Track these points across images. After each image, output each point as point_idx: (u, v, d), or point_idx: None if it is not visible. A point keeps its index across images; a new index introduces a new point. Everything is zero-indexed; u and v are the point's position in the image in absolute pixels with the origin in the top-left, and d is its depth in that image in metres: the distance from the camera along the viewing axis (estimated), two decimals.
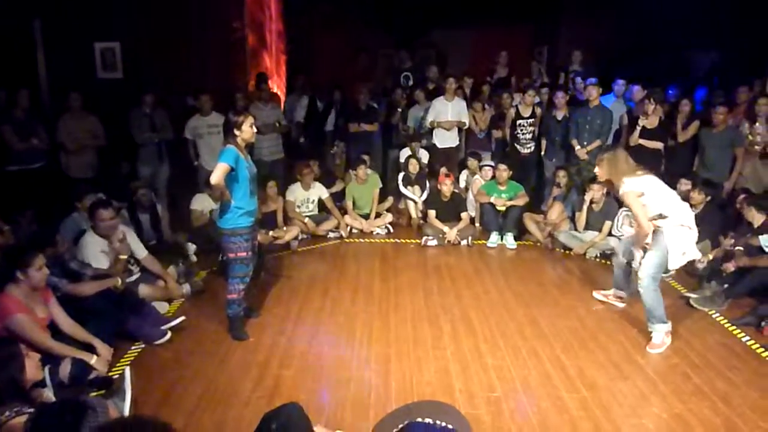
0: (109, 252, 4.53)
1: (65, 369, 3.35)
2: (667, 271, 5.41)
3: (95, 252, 4.49)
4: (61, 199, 5.68)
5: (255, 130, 4.17)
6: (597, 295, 4.99)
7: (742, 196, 5.56)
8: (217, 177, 3.90)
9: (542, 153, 7.31)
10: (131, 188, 5.87)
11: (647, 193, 4.09)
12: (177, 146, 6.98)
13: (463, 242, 6.60)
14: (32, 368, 2.74)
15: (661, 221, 4.10)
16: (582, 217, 6.22)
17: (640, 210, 4.08)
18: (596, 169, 4.33)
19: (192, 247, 5.92)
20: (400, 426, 1.48)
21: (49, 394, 3.02)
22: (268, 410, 2.27)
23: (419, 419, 1.45)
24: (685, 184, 5.91)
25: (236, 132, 4.04)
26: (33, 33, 6.95)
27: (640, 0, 9.20)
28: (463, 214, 6.75)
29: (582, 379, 3.72)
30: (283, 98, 8.88)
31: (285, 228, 6.51)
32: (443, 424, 1.44)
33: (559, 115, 7.04)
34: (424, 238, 6.63)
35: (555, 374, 3.78)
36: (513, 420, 3.29)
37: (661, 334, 4.15)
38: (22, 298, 3.50)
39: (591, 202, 6.15)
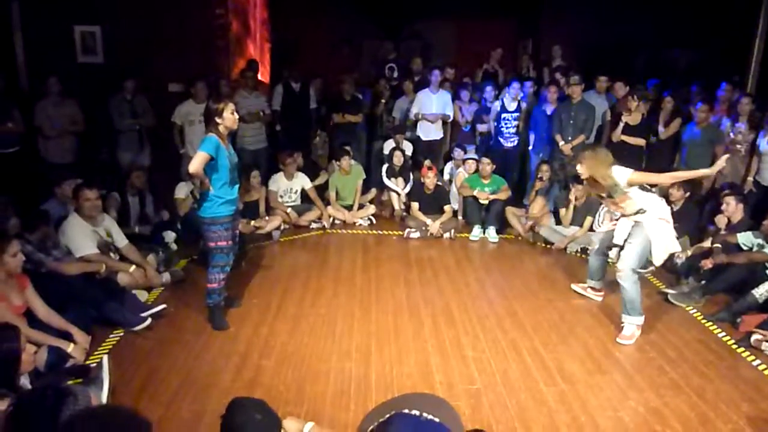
0: (94, 237, 4.51)
1: (42, 357, 3.30)
2: (646, 266, 5.52)
3: (79, 235, 4.45)
4: (38, 185, 5.58)
5: (237, 116, 4.12)
6: (575, 287, 5.04)
7: (726, 191, 5.61)
8: (195, 166, 3.85)
9: (530, 147, 7.35)
10: (125, 171, 5.86)
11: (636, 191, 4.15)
12: (158, 133, 6.89)
13: (446, 235, 6.61)
14: (27, 361, 2.72)
15: (640, 216, 4.16)
16: (568, 215, 6.26)
17: (650, 177, 4.21)
18: (578, 167, 4.27)
19: (172, 236, 5.87)
20: (387, 416, 1.48)
21: (25, 382, 2.98)
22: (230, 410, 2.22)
23: (406, 410, 1.45)
24: None
25: (217, 120, 3.99)
26: (11, 15, 6.79)
27: None
28: (446, 207, 6.77)
29: (560, 372, 3.75)
30: (267, 87, 8.80)
31: (267, 218, 6.47)
32: (429, 416, 1.44)
33: (549, 109, 7.07)
34: (407, 230, 6.63)
35: (534, 367, 3.81)
36: (492, 412, 3.31)
37: (632, 326, 4.23)
38: None
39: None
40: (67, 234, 4.46)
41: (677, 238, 5.58)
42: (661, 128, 6.62)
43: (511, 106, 7.29)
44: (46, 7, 6.80)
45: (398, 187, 7.28)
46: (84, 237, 4.50)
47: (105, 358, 3.35)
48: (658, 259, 4.21)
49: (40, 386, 2.91)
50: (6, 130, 5.79)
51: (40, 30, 6.84)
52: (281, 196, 6.79)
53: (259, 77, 8.20)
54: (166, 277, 4.99)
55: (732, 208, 5.29)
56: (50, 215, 4.69)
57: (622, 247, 4.33)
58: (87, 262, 4.40)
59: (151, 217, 5.94)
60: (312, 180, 7.02)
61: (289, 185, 6.84)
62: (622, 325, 4.27)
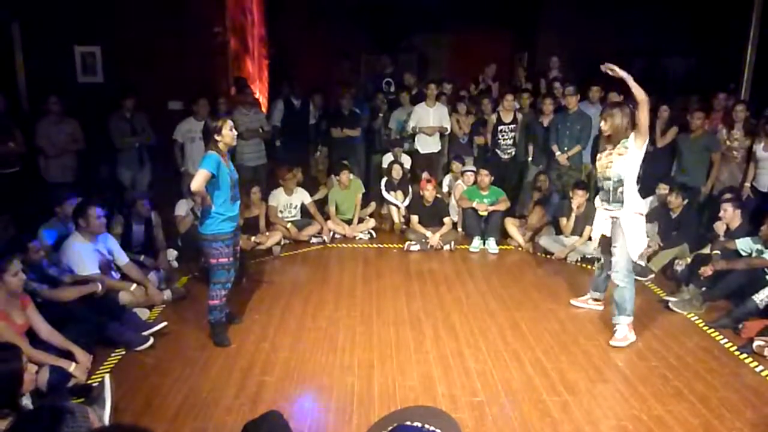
0: (96, 256, 4.50)
1: (43, 377, 3.30)
2: (645, 274, 5.54)
3: (80, 255, 4.45)
4: (40, 204, 5.60)
5: (235, 133, 4.16)
6: (575, 302, 5.02)
7: (727, 195, 5.63)
8: (197, 183, 3.89)
9: (530, 159, 7.38)
10: (128, 199, 5.81)
11: (636, 154, 4.08)
12: (157, 150, 6.94)
13: (446, 247, 6.62)
14: (28, 381, 2.72)
15: (617, 211, 4.19)
16: (569, 224, 6.27)
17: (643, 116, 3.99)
18: (602, 124, 4.19)
19: (173, 253, 5.88)
20: (389, 429, 1.49)
21: (27, 402, 2.98)
22: (250, 419, 2.26)
23: (408, 422, 1.45)
24: (663, 188, 6.01)
25: (217, 137, 4.03)
26: (11, 35, 6.85)
27: (616, 6, 9.35)
28: (446, 219, 6.79)
29: (563, 383, 3.75)
30: (266, 103, 8.86)
31: (267, 233, 6.48)
32: (432, 428, 1.44)
33: (546, 120, 7.12)
34: (407, 243, 6.64)
35: (536, 378, 3.81)
36: (495, 424, 3.31)
37: (624, 327, 4.29)
38: None
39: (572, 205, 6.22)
40: (68, 254, 4.46)
41: (677, 246, 5.67)
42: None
43: (507, 117, 7.33)
44: (47, 28, 6.86)
45: (397, 200, 7.30)
46: (85, 257, 4.48)
47: (107, 377, 3.35)
48: (634, 254, 4.19)
49: (38, 406, 2.91)
50: (7, 150, 5.82)
51: (40, 51, 6.89)
52: (281, 212, 6.81)
53: (257, 93, 8.26)
54: (167, 294, 4.99)
55: (730, 215, 5.31)
56: (36, 238, 4.66)
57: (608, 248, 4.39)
58: (84, 283, 4.33)
59: (160, 242, 5.76)
60: (311, 195, 7.05)
61: (289, 200, 6.86)
62: (615, 328, 4.32)
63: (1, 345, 2.87)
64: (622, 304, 4.29)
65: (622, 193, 4.15)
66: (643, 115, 3.95)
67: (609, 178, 4.20)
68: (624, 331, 4.29)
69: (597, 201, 4.49)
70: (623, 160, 4.11)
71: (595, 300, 4.94)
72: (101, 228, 4.61)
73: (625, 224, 4.16)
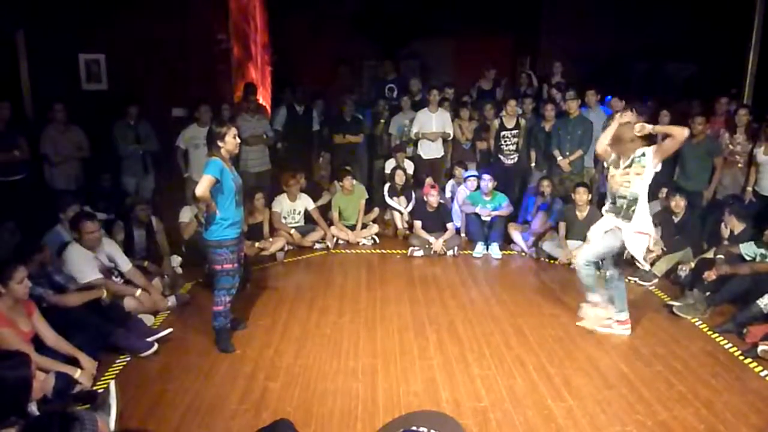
0: (95, 263, 4.51)
1: (49, 383, 3.30)
2: (650, 279, 5.54)
3: (81, 262, 4.46)
4: (45, 211, 5.62)
5: (238, 140, 4.18)
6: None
7: (730, 202, 5.64)
8: (202, 189, 3.90)
9: (533, 164, 7.38)
10: (128, 204, 5.83)
11: (651, 173, 4.13)
12: (162, 158, 6.96)
13: (449, 252, 6.63)
14: (37, 389, 2.73)
15: (621, 222, 4.22)
16: (562, 229, 6.28)
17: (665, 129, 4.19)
18: (637, 127, 4.11)
19: (177, 260, 5.90)
20: None
21: (32, 409, 2.99)
22: (255, 425, 2.26)
23: (414, 427, 1.46)
24: (664, 193, 6.02)
25: (220, 143, 4.05)
26: (16, 44, 6.90)
27: (618, 11, 9.38)
28: (449, 225, 6.79)
29: (567, 388, 3.75)
30: (269, 110, 8.89)
31: (271, 239, 6.50)
32: None
33: (548, 126, 7.13)
34: (410, 248, 6.65)
35: (541, 383, 3.81)
36: (500, 429, 3.31)
37: (611, 320, 4.50)
38: (4, 311, 3.47)
39: (576, 210, 6.22)
40: (68, 262, 4.47)
41: (680, 250, 5.67)
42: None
43: (510, 123, 7.34)
44: (51, 36, 6.91)
45: (401, 205, 7.31)
46: (85, 265, 4.49)
47: (112, 383, 3.36)
48: (639, 256, 4.25)
49: (46, 412, 2.92)
50: (13, 158, 5.86)
51: (45, 59, 6.94)
52: (285, 218, 6.82)
53: (260, 100, 8.30)
54: (171, 300, 5.01)
55: (733, 219, 5.31)
56: (43, 243, 4.68)
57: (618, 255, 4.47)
58: (89, 289, 4.35)
59: (164, 248, 5.77)
60: (315, 201, 7.06)
61: (293, 206, 6.88)
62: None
63: (11, 353, 2.87)
64: (615, 302, 4.48)
65: (633, 211, 4.16)
66: (672, 146, 4.05)
67: (624, 197, 4.21)
68: (608, 321, 4.51)
69: (604, 210, 4.46)
70: (640, 180, 4.13)
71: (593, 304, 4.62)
72: (95, 242, 4.59)
73: (626, 237, 4.21)
